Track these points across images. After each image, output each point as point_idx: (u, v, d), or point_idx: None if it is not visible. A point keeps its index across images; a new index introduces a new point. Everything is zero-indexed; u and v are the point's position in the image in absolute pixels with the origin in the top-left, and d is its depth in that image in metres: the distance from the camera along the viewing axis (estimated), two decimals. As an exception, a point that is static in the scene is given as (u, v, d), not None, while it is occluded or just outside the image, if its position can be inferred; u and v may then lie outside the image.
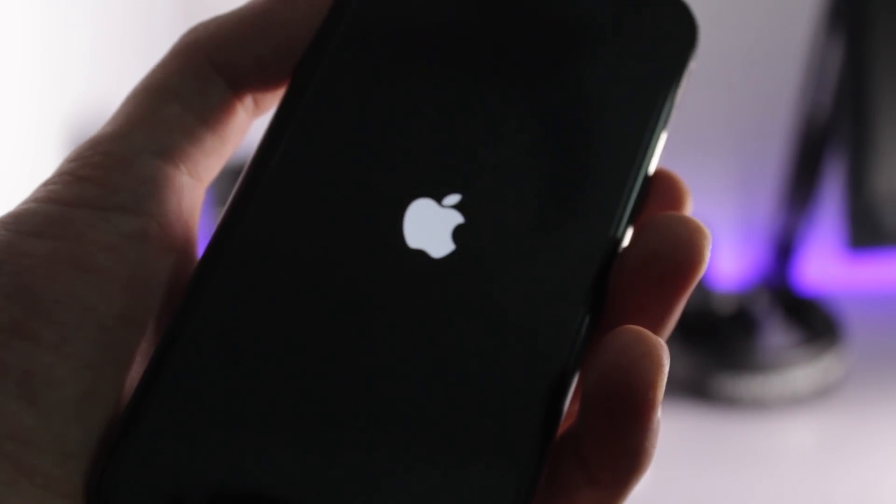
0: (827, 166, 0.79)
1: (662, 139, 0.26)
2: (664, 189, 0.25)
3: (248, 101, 0.26)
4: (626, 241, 0.25)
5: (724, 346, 0.78)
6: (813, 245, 0.84)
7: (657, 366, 0.22)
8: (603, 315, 0.24)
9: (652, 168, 0.26)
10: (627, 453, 0.22)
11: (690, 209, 0.25)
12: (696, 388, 0.76)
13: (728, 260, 0.88)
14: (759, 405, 0.75)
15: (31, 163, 0.66)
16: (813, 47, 0.78)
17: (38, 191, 0.24)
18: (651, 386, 0.22)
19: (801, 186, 0.80)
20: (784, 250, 0.83)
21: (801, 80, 0.80)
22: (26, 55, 0.65)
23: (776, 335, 0.81)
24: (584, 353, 0.24)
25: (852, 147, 0.75)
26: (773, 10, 0.85)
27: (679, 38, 0.27)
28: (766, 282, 0.84)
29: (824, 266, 0.87)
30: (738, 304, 0.82)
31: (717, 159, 0.89)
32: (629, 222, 0.25)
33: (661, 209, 0.25)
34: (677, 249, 0.23)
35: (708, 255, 0.23)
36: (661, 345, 0.22)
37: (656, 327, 0.24)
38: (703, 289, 0.80)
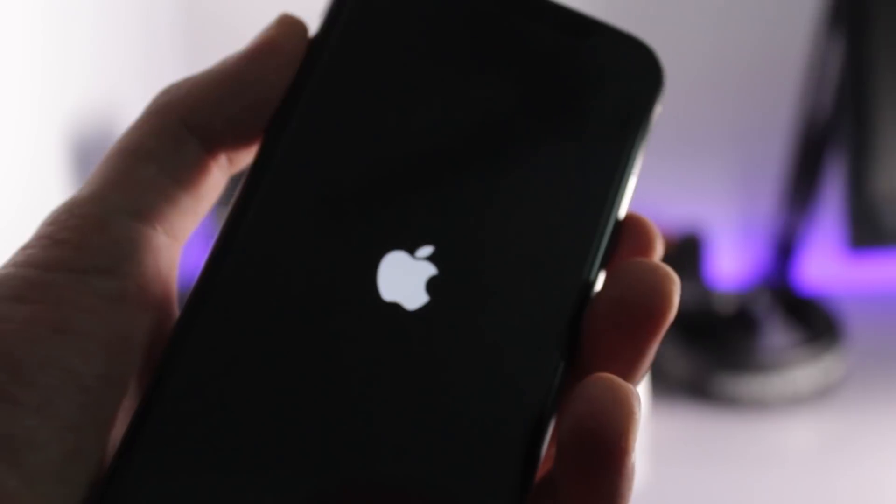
0: (827, 166, 0.79)
1: (632, 183, 0.26)
2: (634, 233, 0.26)
3: (223, 159, 0.26)
4: (598, 286, 0.25)
5: (725, 346, 0.78)
6: (813, 245, 0.85)
7: (628, 414, 0.22)
8: (577, 359, 0.25)
9: (622, 213, 0.26)
10: (603, 499, 0.23)
11: (660, 253, 0.26)
12: (696, 388, 0.76)
13: (728, 260, 0.88)
14: (759, 405, 0.75)
15: (32, 163, 0.66)
16: (813, 47, 0.78)
17: (16, 255, 0.24)
18: (623, 434, 0.22)
19: (801, 186, 0.80)
20: (784, 250, 0.83)
21: (802, 81, 0.80)
22: (27, 55, 0.65)
23: (776, 335, 0.81)
24: (559, 397, 0.24)
25: (853, 147, 0.75)
26: (773, 10, 0.85)
27: (646, 82, 0.27)
28: (767, 282, 0.84)
29: (825, 266, 0.87)
30: (738, 303, 0.82)
31: (717, 159, 0.89)
32: (601, 267, 0.25)
33: (631, 253, 0.26)
34: (646, 296, 0.23)
35: (676, 301, 0.24)
36: (633, 392, 0.23)
37: (628, 373, 0.24)
38: (703, 289, 0.81)
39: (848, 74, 0.74)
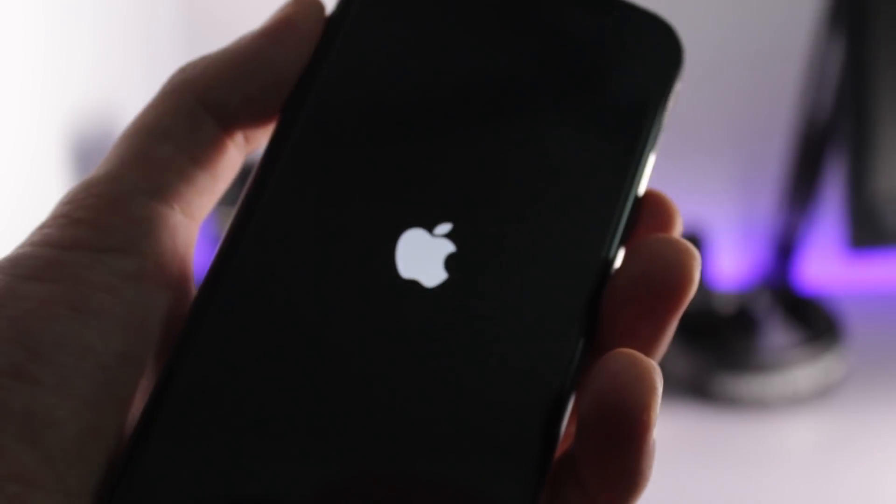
0: (827, 166, 0.79)
1: (651, 161, 0.26)
2: (654, 210, 0.26)
3: (239, 138, 0.26)
4: (617, 263, 0.25)
5: (725, 346, 0.78)
6: (813, 245, 0.85)
7: (650, 389, 0.22)
8: (597, 337, 0.25)
9: (642, 190, 0.26)
10: (624, 475, 0.22)
11: (680, 230, 0.26)
12: (696, 388, 0.76)
13: (728, 260, 0.88)
14: (759, 405, 0.75)
15: (32, 163, 0.66)
16: (814, 47, 0.78)
17: (33, 234, 0.24)
18: (645, 409, 0.22)
19: (801, 186, 0.80)
20: (784, 250, 0.83)
21: (802, 80, 0.80)
22: (27, 55, 0.65)
23: (777, 335, 0.81)
24: (579, 374, 0.24)
25: (853, 147, 0.75)
26: (773, 10, 0.86)
27: (665, 60, 0.27)
28: (767, 281, 0.84)
29: (825, 266, 0.87)
30: (738, 303, 0.82)
31: (717, 159, 0.89)
32: (620, 244, 0.25)
33: (651, 230, 0.26)
34: (666, 272, 0.23)
35: (697, 276, 0.24)
36: (654, 368, 0.22)
37: (649, 349, 0.24)
38: (703, 289, 0.81)
39: (848, 74, 0.74)
